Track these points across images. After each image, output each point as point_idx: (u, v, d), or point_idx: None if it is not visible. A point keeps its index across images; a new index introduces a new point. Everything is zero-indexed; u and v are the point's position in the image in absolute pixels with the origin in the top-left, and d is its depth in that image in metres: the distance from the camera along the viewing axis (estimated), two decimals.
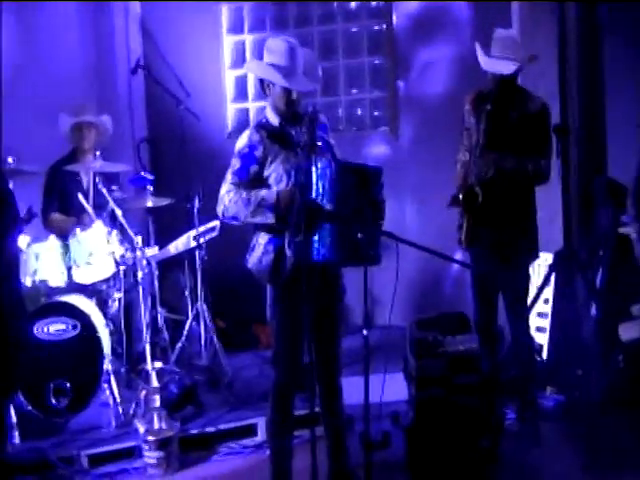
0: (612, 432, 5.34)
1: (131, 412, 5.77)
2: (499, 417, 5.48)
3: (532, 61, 5.46)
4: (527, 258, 5.56)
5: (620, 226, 6.19)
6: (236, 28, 8.43)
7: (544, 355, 6.32)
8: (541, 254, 5.84)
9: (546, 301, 6.34)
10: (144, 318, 6.19)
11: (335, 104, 8.25)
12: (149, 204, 6.58)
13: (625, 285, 6.13)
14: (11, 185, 5.61)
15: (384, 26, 8.09)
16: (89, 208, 6.21)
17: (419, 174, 7.81)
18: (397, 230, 4.28)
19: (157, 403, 5.57)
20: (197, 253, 6.64)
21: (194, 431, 5.65)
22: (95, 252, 6.08)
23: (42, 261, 5.98)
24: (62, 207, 6.61)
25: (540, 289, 5.96)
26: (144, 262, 6.24)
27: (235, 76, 8.45)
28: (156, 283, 6.70)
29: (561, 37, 6.05)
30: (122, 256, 6.17)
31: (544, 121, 5.45)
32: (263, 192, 4.41)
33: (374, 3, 8.18)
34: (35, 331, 5.74)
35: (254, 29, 8.37)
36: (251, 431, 5.66)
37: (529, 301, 5.70)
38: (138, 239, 6.19)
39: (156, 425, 5.36)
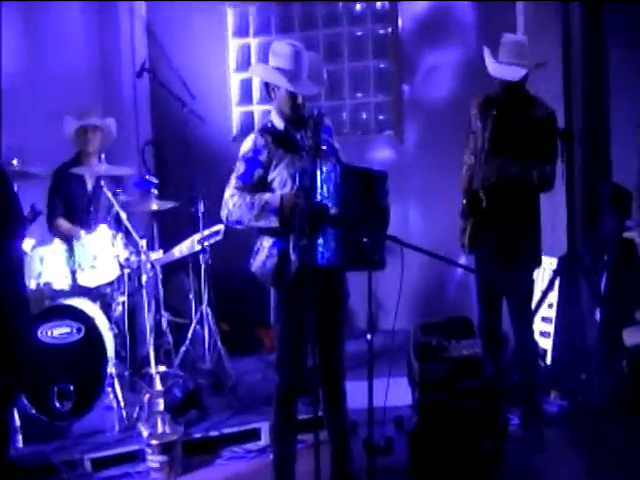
0: (616, 437, 5.33)
1: (135, 416, 5.75)
2: (503, 422, 5.48)
3: (540, 67, 5.45)
4: (530, 264, 5.55)
5: (624, 231, 6.19)
6: (241, 31, 8.44)
7: (548, 360, 6.30)
8: (545, 259, 5.83)
9: (550, 306, 6.33)
10: (148, 321, 6.19)
11: (340, 108, 8.25)
12: (154, 207, 6.59)
13: (629, 290, 6.13)
14: (16, 187, 5.60)
15: (389, 30, 8.10)
16: None
17: (424, 178, 7.81)
18: (402, 234, 4.27)
19: (161, 407, 5.56)
20: (201, 257, 6.62)
21: (198, 435, 5.64)
22: (100, 255, 6.07)
23: (47, 264, 5.97)
24: (67, 210, 6.62)
25: (544, 294, 5.96)
26: (148, 265, 6.25)
27: (240, 79, 8.46)
28: (160, 286, 6.70)
29: (565, 41, 6.06)
30: (126, 259, 6.16)
31: (550, 129, 5.44)
32: (267, 196, 4.40)
33: (379, 6, 8.18)
34: (39, 335, 5.73)
35: (259, 32, 8.38)
36: (255, 435, 5.65)
37: (533, 306, 5.70)
38: (142, 242, 6.18)
39: (160, 429, 5.35)
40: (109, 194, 6.18)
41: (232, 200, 4.43)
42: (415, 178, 7.81)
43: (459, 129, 5.78)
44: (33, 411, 5.68)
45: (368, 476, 4.22)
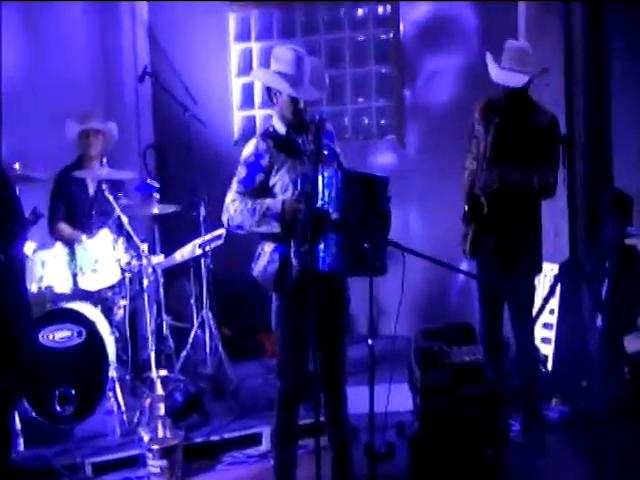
0: (617, 443, 5.33)
1: (136, 420, 5.75)
2: (504, 428, 5.47)
3: (543, 74, 5.44)
4: (531, 270, 5.54)
5: (626, 237, 6.18)
6: (243, 36, 8.44)
7: (549, 366, 6.30)
8: (547, 265, 5.83)
9: (551, 312, 6.33)
10: (149, 326, 6.18)
11: (341, 112, 8.26)
12: (155, 211, 6.58)
13: (631, 296, 6.12)
14: (17, 191, 5.61)
15: (391, 35, 8.11)
16: None
17: (425, 183, 7.81)
18: (403, 239, 4.28)
19: (162, 411, 5.55)
20: (203, 261, 6.62)
21: (198, 440, 5.63)
22: (101, 259, 6.08)
23: (48, 268, 5.98)
24: (69, 214, 6.62)
25: (546, 300, 5.95)
26: (150, 269, 6.24)
27: (242, 84, 8.46)
28: (161, 291, 6.68)
29: (567, 46, 6.06)
30: (128, 263, 6.17)
31: (553, 135, 5.43)
32: (268, 201, 4.40)
33: (381, 11, 8.18)
34: (40, 338, 5.73)
35: (261, 37, 8.39)
36: (255, 440, 5.64)
37: (534, 312, 5.69)
38: (144, 246, 6.19)
39: (160, 433, 5.35)
40: (111, 198, 6.17)
41: (233, 205, 4.43)
42: (417, 183, 7.80)
43: (461, 134, 5.78)
44: (34, 415, 5.68)
45: None
